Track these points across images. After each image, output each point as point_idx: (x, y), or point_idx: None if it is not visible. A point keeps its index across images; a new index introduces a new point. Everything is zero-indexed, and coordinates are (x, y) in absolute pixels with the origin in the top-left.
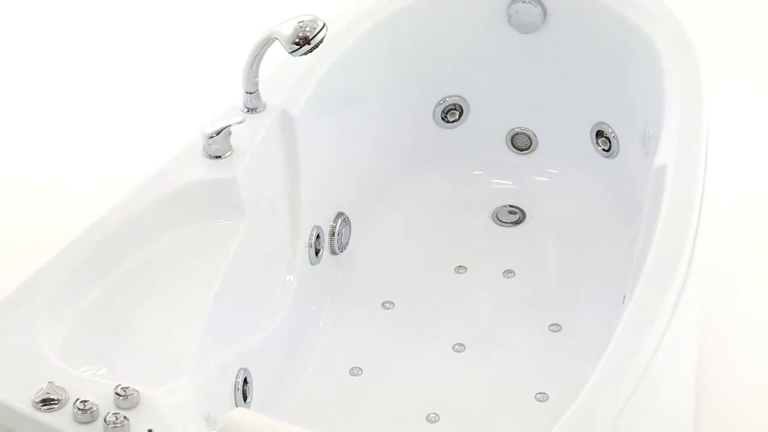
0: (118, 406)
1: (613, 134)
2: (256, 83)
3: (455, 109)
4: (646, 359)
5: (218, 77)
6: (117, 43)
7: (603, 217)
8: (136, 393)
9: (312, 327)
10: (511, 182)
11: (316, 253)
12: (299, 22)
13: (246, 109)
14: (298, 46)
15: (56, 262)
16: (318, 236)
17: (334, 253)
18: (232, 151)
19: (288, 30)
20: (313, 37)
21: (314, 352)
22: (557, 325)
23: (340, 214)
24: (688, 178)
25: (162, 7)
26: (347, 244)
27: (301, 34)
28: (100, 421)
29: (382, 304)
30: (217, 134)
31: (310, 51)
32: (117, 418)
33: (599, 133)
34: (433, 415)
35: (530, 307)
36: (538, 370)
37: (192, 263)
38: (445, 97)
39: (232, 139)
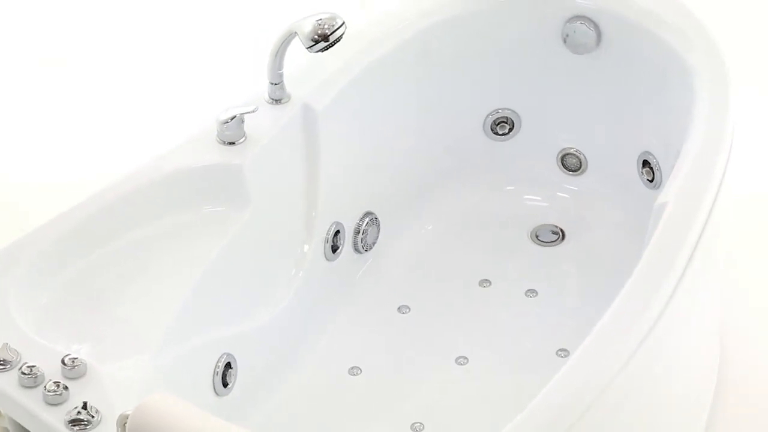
0: (64, 375)
1: (657, 165)
2: (280, 75)
3: (505, 122)
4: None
5: (219, 77)
6: (117, 43)
7: (638, 248)
8: (82, 364)
9: (318, 323)
10: (555, 202)
11: (333, 250)
12: (317, 20)
13: (271, 100)
14: (315, 43)
15: (45, 231)
16: (338, 233)
17: (358, 251)
18: (245, 138)
19: (307, 27)
20: (331, 33)
21: (316, 348)
22: (565, 350)
23: (368, 214)
24: (686, 218)
25: (161, 7)
26: (374, 244)
27: (319, 32)
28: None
29: (399, 308)
30: (230, 121)
31: (327, 48)
32: (58, 386)
33: (645, 163)
34: (418, 424)
35: (543, 330)
36: (534, 392)
37: (186, 246)
38: (497, 109)
39: (253, 128)
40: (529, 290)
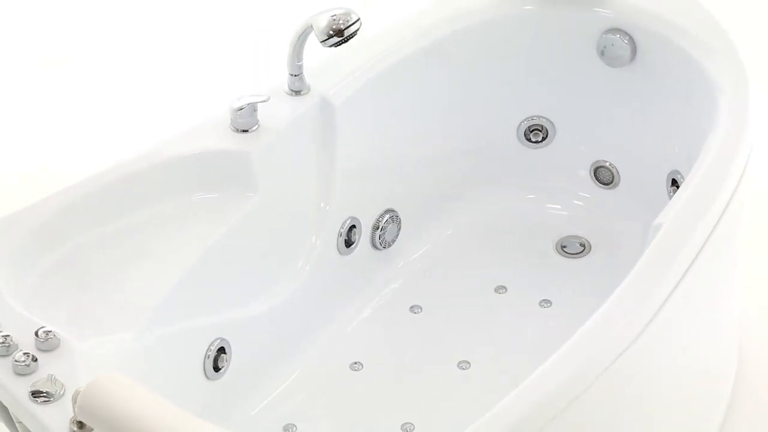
0: (36, 347)
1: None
2: (299, 67)
3: (540, 130)
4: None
5: (219, 77)
6: (117, 43)
7: None
8: (55, 338)
9: (324, 315)
10: (583, 214)
11: (348, 245)
12: (332, 16)
13: (290, 92)
14: (329, 37)
15: (42, 207)
16: (353, 227)
17: (375, 247)
18: (259, 126)
19: (322, 21)
20: (346, 29)
21: (319, 340)
22: None
23: (389, 211)
24: (677, 244)
25: (161, 7)
26: (393, 242)
27: (334, 27)
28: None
29: (411, 307)
30: (242, 108)
31: (340, 43)
32: (27, 357)
33: (674, 182)
34: (409, 424)
35: (551, 340)
36: None
37: (185, 230)
38: (532, 116)
39: (269, 118)
40: (543, 300)
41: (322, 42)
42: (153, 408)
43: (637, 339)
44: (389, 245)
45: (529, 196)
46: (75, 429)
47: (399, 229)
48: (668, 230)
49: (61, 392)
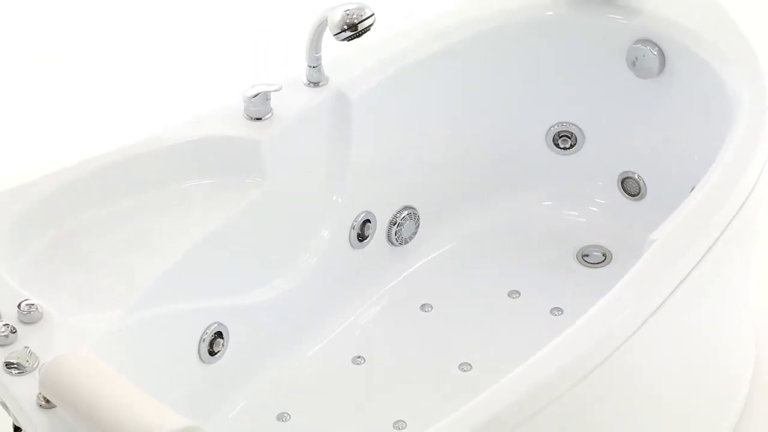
0: (18, 320)
1: None
2: (317, 58)
3: (568, 137)
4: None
5: (219, 77)
6: (117, 43)
7: None
8: (37, 311)
9: (332, 308)
10: (607, 223)
11: (360, 239)
12: (346, 10)
13: (309, 83)
14: (341, 31)
15: (44, 184)
16: (367, 222)
17: (392, 243)
18: (272, 115)
19: (336, 15)
20: (360, 23)
21: (324, 332)
22: None
23: (407, 208)
24: (681, 245)
25: (161, 7)
26: (410, 239)
27: (348, 21)
28: None
29: (422, 305)
30: (254, 97)
31: (353, 38)
32: (6, 328)
33: None
34: (401, 422)
35: None
36: None
37: (187, 214)
38: (562, 122)
39: (284, 108)
40: (555, 308)
41: (335, 35)
42: (113, 388)
43: (632, 337)
44: (406, 242)
45: (553, 203)
46: (42, 403)
47: (417, 226)
48: (673, 232)
49: (35, 365)
